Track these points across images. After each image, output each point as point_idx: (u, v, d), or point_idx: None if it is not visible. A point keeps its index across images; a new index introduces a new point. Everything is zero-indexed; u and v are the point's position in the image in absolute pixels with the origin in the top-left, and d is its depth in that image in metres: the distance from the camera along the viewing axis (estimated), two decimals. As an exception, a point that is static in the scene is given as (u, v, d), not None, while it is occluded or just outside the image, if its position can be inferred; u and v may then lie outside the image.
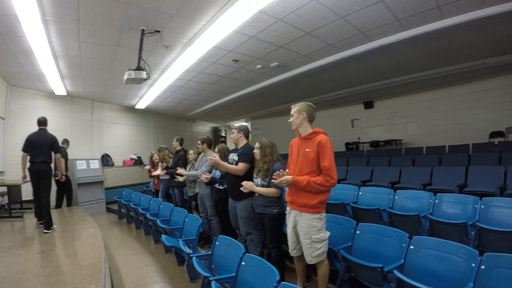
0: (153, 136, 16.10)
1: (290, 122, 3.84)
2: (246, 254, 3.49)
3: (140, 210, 7.68)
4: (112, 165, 13.21)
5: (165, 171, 8.15)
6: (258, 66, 8.22)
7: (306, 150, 3.63)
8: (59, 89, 10.67)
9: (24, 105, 10.87)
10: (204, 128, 20.30)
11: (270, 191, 4.29)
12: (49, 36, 6.47)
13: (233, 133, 5.34)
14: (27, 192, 8.97)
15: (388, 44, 6.68)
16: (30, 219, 7.96)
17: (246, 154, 4.90)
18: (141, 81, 6.58)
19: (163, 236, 5.19)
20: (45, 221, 6.48)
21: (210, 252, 4.19)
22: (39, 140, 6.66)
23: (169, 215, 6.54)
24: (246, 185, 4.45)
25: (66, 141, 10.43)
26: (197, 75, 9.10)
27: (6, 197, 8.62)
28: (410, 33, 6.29)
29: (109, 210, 11.46)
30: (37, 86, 10.57)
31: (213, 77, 9.30)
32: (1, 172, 9.79)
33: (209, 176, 5.60)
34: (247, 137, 5.27)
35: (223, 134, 21.85)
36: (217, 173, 5.75)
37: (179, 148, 8.05)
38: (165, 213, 6.80)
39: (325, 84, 10.29)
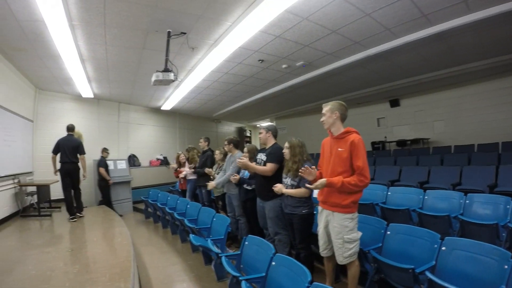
0: (178, 137, 16.27)
1: (322, 121, 3.80)
2: (277, 254, 3.48)
3: (167, 209, 7.74)
4: (139, 165, 13.38)
5: (193, 170, 8.22)
6: (284, 66, 8.19)
7: (339, 149, 3.59)
8: (86, 91, 10.84)
9: (52, 107, 11.14)
10: (229, 129, 20.36)
11: (300, 191, 4.27)
12: (76, 40, 6.58)
13: (261, 133, 5.30)
14: (55, 191, 9.47)
15: (414, 40, 6.56)
16: (58, 218, 8.29)
17: (274, 154, 4.89)
18: (168, 82, 6.60)
19: (191, 236, 5.22)
20: (79, 207, 8.30)
21: (239, 252, 4.20)
22: (67, 143, 7.96)
23: (197, 215, 6.58)
24: (276, 189, 4.46)
25: (105, 150, 10.77)
26: (223, 76, 9.12)
27: (35, 196, 8.87)
28: (436, 28, 6.16)
29: (136, 209, 11.64)
30: (65, 89, 10.78)
31: (239, 77, 9.31)
32: (30, 172, 10.00)
33: (238, 177, 5.67)
34: (275, 136, 5.23)
35: (248, 134, 21.85)
36: (245, 173, 5.77)
37: (206, 148, 8.13)
38: (192, 212, 6.85)
39: (350, 83, 10.18)
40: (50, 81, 9.82)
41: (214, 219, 5.81)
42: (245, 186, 5.72)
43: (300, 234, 4.33)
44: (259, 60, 7.77)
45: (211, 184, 6.56)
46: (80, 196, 8.43)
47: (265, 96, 11.48)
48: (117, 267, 4.41)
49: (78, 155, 8.14)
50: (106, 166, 10.41)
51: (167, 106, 13.75)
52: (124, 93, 11.80)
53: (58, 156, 7.96)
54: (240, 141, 7.02)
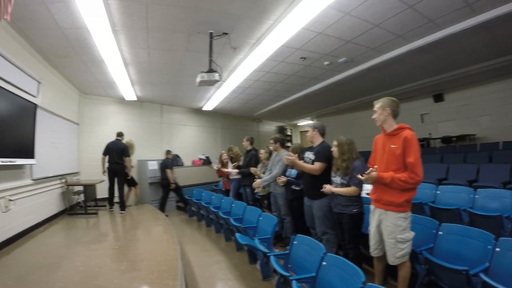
0: (220, 137, 16.43)
1: (374, 118, 3.73)
2: (328, 254, 3.43)
3: (211, 208, 7.80)
4: (182, 165, 13.48)
5: (237, 170, 8.24)
6: (326, 63, 8.06)
7: (392, 146, 3.53)
8: (129, 94, 11.15)
9: (96, 111, 11.59)
10: (270, 128, 20.29)
11: (350, 190, 4.23)
12: (119, 45, 6.74)
13: (308, 131, 5.24)
14: (101, 191, 9.84)
15: (458, 31, 6.25)
16: (104, 216, 8.59)
17: (322, 153, 4.83)
18: (213, 82, 6.66)
19: (237, 235, 5.28)
20: (121, 205, 9.16)
21: (287, 251, 4.16)
22: (115, 147, 9.18)
23: (242, 214, 6.59)
24: (325, 190, 4.42)
25: (169, 152, 11.26)
26: (264, 75, 9.10)
27: (82, 195, 9.21)
28: (481, 18, 5.83)
29: (179, 208, 11.81)
30: (108, 93, 11.10)
31: (280, 76, 9.26)
32: (77, 172, 10.41)
33: (285, 179, 5.68)
34: (322, 134, 5.13)
35: (289, 133, 21.54)
36: (292, 172, 5.72)
37: (250, 147, 8.13)
38: (237, 211, 6.87)
39: (392, 78, 9.88)
40: (94, 85, 10.13)
41: (260, 218, 5.79)
42: (293, 186, 5.69)
43: (349, 234, 4.28)
44: (301, 58, 7.66)
45: (257, 183, 6.53)
46: (123, 195, 9.31)
47: (306, 94, 11.35)
48: (165, 264, 4.47)
49: (124, 157, 9.21)
50: (171, 167, 10.76)
51: (208, 106, 13.90)
52: (166, 95, 12.00)
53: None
54: (285, 139, 6.99)
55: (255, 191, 7.05)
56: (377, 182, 3.55)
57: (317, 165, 4.77)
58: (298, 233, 4.47)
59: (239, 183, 8.35)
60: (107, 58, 7.38)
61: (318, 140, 5.08)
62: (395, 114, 3.65)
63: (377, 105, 3.70)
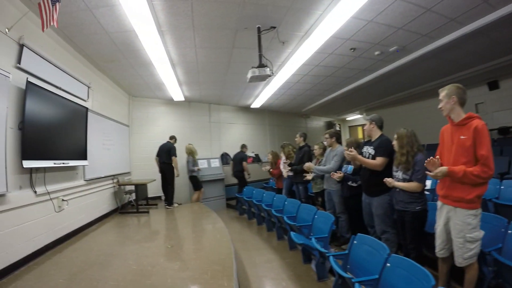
0: (269, 134, 16.29)
1: (440, 108, 3.48)
2: (392, 255, 3.18)
3: (263, 206, 7.66)
4: (231, 163, 13.43)
5: (289, 168, 8.02)
6: (376, 53, 7.72)
7: (461, 137, 3.25)
8: (178, 95, 11.32)
9: (146, 112, 11.87)
10: (318, 123, 19.98)
11: (412, 185, 3.97)
12: (166, 45, 6.77)
13: (365, 124, 5.01)
14: (152, 189, 10.28)
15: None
16: (156, 215, 8.69)
17: (383, 147, 4.60)
18: (265, 77, 6.49)
19: (292, 234, 5.13)
20: (169, 200, 9.77)
21: (346, 251, 3.93)
22: (163, 147, 9.87)
23: (296, 212, 6.37)
24: (387, 182, 4.18)
25: (244, 146, 11.96)
26: (313, 69, 8.86)
27: (133, 194, 9.40)
28: None
29: (229, 206, 11.83)
30: (156, 94, 11.29)
31: (329, 69, 8.99)
32: (128, 172, 10.67)
33: (341, 175, 5.44)
34: (380, 127, 4.88)
35: (338, 129, 20.94)
36: (348, 168, 5.49)
37: (303, 143, 7.92)
38: (291, 209, 6.65)
39: (444, 66, 9.30)
40: (142, 87, 10.32)
41: (316, 216, 5.53)
42: (350, 183, 5.46)
43: (412, 233, 4.01)
44: (351, 49, 7.38)
45: (310, 164, 6.45)
46: (171, 193, 9.86)
47: (355, 87, 10.99)
48: (219, 264, 4.36)
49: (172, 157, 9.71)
50: (246, 159, 11.67)
51: (256, 104, 13.88)
52: (214, 94, 12.03)
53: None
54: (340, 134, 6.78)
55: (308, 180, 6.89)
56: (447, 177, 3.29)
57: (379, 160, 4.54)
58: (355, 232, 4.25)
59: (292, 180, 8.14)
60: (154, 59, 7.44)
61: (376, 133, 4.85)
62: (462, 102, 3.39)
63: (442, 93, 3.44)
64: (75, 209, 6.57)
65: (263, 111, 15.87)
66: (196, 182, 10.48)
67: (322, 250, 4.15)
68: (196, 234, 6.71)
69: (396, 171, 4.21)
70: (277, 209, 7.07)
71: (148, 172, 10.88)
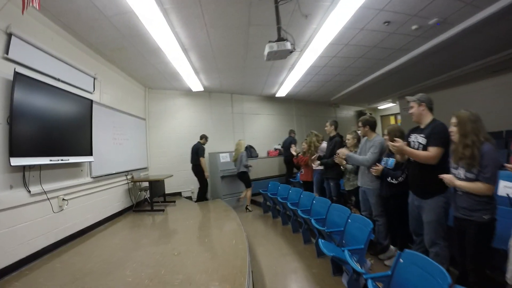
0: (296, 125, 15.30)
1: None
2: (456, 285, 2.28)
3: (289, 205, 6.81)
4: (256, 156, 12.80)
5: (318, 161, 7.20)
6: (414, 27, 6.76)
7: None
8: (196, 85, 10.74)
9: (163, 105, 11.42)
10: (348, 113, 19.04)
11: (479, 187, 2.99)
12: (172, 27, 6.15)
13: (411, 107, 3.99)
14: (169, 186, 10.20)
15: None
16: (172, 213, 8.32)
17: (438, 134, 3.61)
18: (285, 54, 5.41)
19: (320, 242, 4.26)
20: (198, 197, 10.09)
21: (389, 273, 2.98)
22: (193, 148, 10.01)
23: (325, 213, 5.49)
24: (445, 179, 3.23)
25: (292, 131, 12.52)
26: (342, 49, 7.98)
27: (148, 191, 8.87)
28: None
29: (253, 202, 10.91)
30: (174, 85, 10.77)
31: (360, 49, 8.09)
32: (145, 168, 10.24)
33: (381, 168, 4.57)
34: (431, 109, 3.89)
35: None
36: (389, 161, 4.66)
37: (333, 133, 7.08)
38: (320, 210, 5.80)
39: (487, 43, 8.17)
40: (157, 78, 9.78)
41: (349, 220, 4.62)
42: (389, 179, 4.57)
43: (474, 249, 3.03)
44: (385, 23, 6.46)
45: (342, 151, 5.62)
46: (202, 193, 10.05)
47: (389, 71, 10.04)
48: (227, 281, 3.66)
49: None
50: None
51: (281, 92, 13.06)
52: (235, 83, 11.34)
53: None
54: (376, 121, 5.92)
55: (339, 153, 5.89)
56: None
57: (433, 151, 3.57)
58: (395, 239, 3.41)
59: (323, 175, 7.30)
60: (162, 44, 6.86)
61: (427, 117, 3.86)
62: None
63: None
64: (80, 209, 6.18)
65: (290, 100, 15.07)
66: (247, 179, 9.88)
67: (358, 269, 3.29)
68: (209, 238, 6.02)
69: (456, 168, 3.23)
70: (304, 209, 6.25)
71: (167, 168, 10.53)
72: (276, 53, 5.25)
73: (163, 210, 8.36)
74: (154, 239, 5.97)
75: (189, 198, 11.15)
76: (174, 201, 9.56)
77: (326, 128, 7.23)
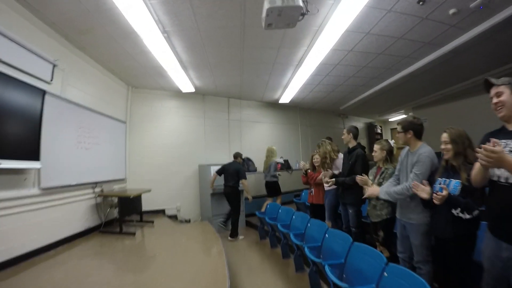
0: (301, 136, 13.99)
1: None
2: None
3: (292, 237, 5.14)
4: (254, 170, 11.36)
5: (332, 179, 5.62)
6: (452, 11, 5.40)
7: None
8: (185, 84, 9.45)
9: (149, 106, 10.12)
10: (357, 125, 16.93)
11: None
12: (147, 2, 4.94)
13: (499, 94, 2.48)
14: (155, 202, 9.26)
15: None
16: (143, 237, 6.91)
17: None
18: (294, 16, 3.97)
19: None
20: (232, 231, 8.13)
21: None
22: (229, 169, 8.64)
23: (345, 255, 3.84)
24: None
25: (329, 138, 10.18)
26: (362, 40, 6.54)
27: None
28: None
29: (248, 224, 9.66)
30: (160, 84, 9.48)
31: (384, 41, 6.64)
32: (123, 179, 8.87)
33: (445, 194, 2.98)
34: None
35: (379, 131, 18.72)
36: (451, 184, 3.13)
37: (353, 143, 5.61)
38: (336, 248, 4.22)
39: None
40: (140, 74, 8.54)
41: (385, 274, 2.99)
42: (456, 212, 3.03)
43: None
44: (419, 1, 5.08)
45: (371, 191, 4.13)
46: (235, 221, 8.28)
47: (412, 73, 8.57)
48: None
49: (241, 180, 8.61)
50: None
51: (285, 98, 11.70)
52: (232, 84, 10.01)
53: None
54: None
55: (366, 195, 4.38)
56: None
57: None
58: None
59: (337, 199, 5.86)
60: (137, 25, 5.59)
61: None
62: None
63: None
64: (20, 229, 4.87)
65: (294, 108, 13.74)
66: (277, 188, 9.49)
67: None
68: (180, 271, 4.62)
69: None
70: (312, 245, 4.63)
71: (150, 180, 9.24)
72: (280, 14, 3.81)
73: (133, 234, 6.88)
74: (111, 272, 4.67)
75: (174, 217, 9.77)
76: (153, 221, 8.12)
77: (343, 137, 5.76)
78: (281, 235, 6.31)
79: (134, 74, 8.52)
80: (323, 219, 5.86)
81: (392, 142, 5.03)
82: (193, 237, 7.16)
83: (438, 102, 12.63)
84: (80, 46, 6.63)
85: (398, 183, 3.90)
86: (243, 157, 9.51)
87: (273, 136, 13.00)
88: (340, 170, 5.88)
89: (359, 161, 5.20)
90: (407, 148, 3.92)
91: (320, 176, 6.14)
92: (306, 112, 14.33)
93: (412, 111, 14.37)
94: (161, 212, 9.56)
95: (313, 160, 6.73)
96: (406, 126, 3.81)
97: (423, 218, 3.50)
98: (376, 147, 4.98)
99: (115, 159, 8.44)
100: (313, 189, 6.67)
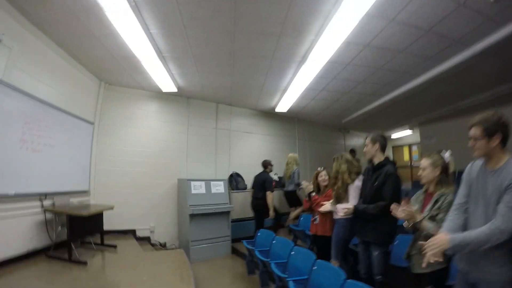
0: (298, 151, 12.67)
1: None
2: None
3: (291, 284, 3.86)
4: (244, 188, 10.12)
5: (346, 207, 4.43)
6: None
7: None
8: (166, 82, 8.23)
9: (124, 107, 8.87)
10: (358, 141, 16.49)
11: None
12: None
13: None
14: (124, 220, 8.08)
15: None
16: (97, 267, 5.56)
17: None
18: None
19: None
20: None
21: None
22: (258, 179, 8.74)
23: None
24: None
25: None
26: (383, 30, 5.38)
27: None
28: None
29: (235, 252, 8.37)
30: (137, 80, 8.28)
31: (409, 32, 5.42)
32: (85, 191, 7.60)
33: None
34: None
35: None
36: None
37: (380, 157, 4.29)
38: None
39: None
40: (113, 67, 7.40)
41: None
42: None
43: None
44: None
45: (437, 243, 2.56)
46: None
47: (429, 81, 7.46)
48: None
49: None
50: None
51: (283, 106, 10.50)
52: (221, 85, 8.75)
53: None
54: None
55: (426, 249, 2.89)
56: None
57: None
58: None
59: (350, 231, 4.65)
60: None
61: None
62: None
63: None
64: None
65: (292, 119, 12.62)
66: (298, 198, 9.35)
67: None
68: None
69: None
70: None
71: (120, 193, 8.05)
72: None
73: (85, 263, 5.46)
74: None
75: (147, 239, 8.44)
76: (115, 246, 6.71)
77: (365, 150, 4.41)
78: (275, 276, 4.91)
79: (106, 68, 7.37)
80: (328, 255, 4.73)
81: (447, 154, 3.61)
82: (159, 272, 5.53)
83: (447, 118, 11.67)
84: (36, 22, 5.44)
85: (466, 218, 2.69)
86: (271, 165, 9.29)
87: (267, 150, 11.78)
88: (353, 203, 4.55)
89: (390, 182, 3.90)
90: (478, 162, 2.74)
91: (328, 205, 4.97)
92: (305, 125, 13.22)
93: (418, 127, 13.84)
94: (131, 232, 8.23)
95: (319, 179, 5.54)
96: (494, 125, 2.51)
97: (508, 273, 2.33)
98: (425, 162, 3.56)
99: (76, 167, 7.15)
100: (317, 217, 5.40)
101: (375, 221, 3.93)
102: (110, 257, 6.14)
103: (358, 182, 4.72)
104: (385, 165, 4.11)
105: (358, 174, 4.88)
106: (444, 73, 6.97)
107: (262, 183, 8.39)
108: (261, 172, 8.80)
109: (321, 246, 5.23)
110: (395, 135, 17.12)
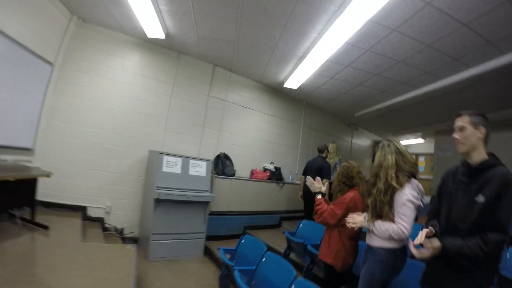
0: (302, 138, 11.43)
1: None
2: None
3: None
4: (232, 175, 8.77)
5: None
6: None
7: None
8: (152, 23, 6.62)
9: (97, 50, 7.29)
10: (365, 142, 15.76)
11: None
12: None
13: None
14: (74, 193, 6.72)
15: None
16: (14, 260, 3.74)
17: None
18: None
19: None
20: None
21: None
22: (313, 165, 8.41)
23: None
24: None
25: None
26: (420, 12, 4.53)
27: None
28: None
29: (208, 254, 7.03)
30: (116, 18, 6.74)
31: (444, 22, 4.66)
32: (28, 149, 6.09)
33: None
34: None
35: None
36: None
37: (482, 154, 2.57)
38: None
39: None
40: None
41: None
42: None
43: None
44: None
45: None
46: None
47: (455, 84, 6.98)
48: None
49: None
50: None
51: (293, 82, 8.95)
52: (224, 37, 7.00)
53: None
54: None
55: None
56: None
57: None
58: None
59: (394, 269, 3.13)
60: None
61: None
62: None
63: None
64: None
65: (300, 102, 11.36)
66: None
67: None
68: None
69: None
70: None
71: (72, 160, 6.65)
72: None
73: None
74: None
75: (100, 220, 6.93)
76: (47, 227, 5.05)
77: (459, 136, 2.62)
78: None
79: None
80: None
81: None
82: (97, 277, 3.83)
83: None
84: None
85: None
86: (328, 151, 8.72)
87: (266, 132, 10.41)
88: (405, 226, 2.94)
89: (510, 197, 2.28)
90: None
91: (360, 219, 3.39)
92: (313, 111, 11.92)
93: (434, 136, 13.14)
94: (82, 210, 6.71)
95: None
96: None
97: None
98: None
99: (18, 116, 5.61)
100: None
101: (473, 268, 2.36)
102: (30, 244, 4.55)
103: (411, 191, 3.06)
104: (494, 166, 2.45)
105: (412, 176, 3.19)
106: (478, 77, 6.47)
107: (319, 169, 8.01)
108: (316, 157, 8.46)
109: (334, 279, 3.76)
110: (404, 142, 15.92)
